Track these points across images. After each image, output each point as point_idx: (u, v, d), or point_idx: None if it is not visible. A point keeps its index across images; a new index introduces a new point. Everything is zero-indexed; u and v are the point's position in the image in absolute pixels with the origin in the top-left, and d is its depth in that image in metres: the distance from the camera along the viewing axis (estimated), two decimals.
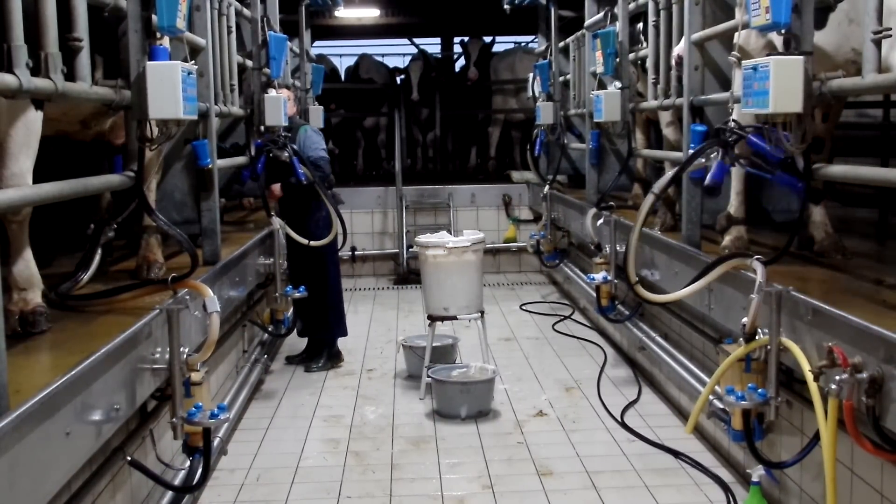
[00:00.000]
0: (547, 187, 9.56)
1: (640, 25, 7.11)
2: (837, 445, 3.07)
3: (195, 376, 3.68)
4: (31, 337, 3.36)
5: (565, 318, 8.70)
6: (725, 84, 5.09)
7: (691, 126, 5.14)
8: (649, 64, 6.20)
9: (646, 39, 6.59)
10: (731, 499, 4.44)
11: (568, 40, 9.38)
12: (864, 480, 3.36)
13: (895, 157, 6.21)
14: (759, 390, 3.69)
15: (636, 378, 6.50)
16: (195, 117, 4.23)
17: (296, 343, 7.41)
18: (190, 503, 4.25)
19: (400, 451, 5.27)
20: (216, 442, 4.23)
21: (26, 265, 3.51)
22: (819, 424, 3.09)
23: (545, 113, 9.62)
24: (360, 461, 5.12)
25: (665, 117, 6.31)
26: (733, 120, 4.21)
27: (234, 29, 5.96)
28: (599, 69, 7.24)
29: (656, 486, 4.66)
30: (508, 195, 11.42)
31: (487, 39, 13.43)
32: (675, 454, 5.02)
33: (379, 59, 14.62)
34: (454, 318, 6.43)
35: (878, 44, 3.29)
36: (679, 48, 5.41)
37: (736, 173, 4.76)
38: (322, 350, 7.09)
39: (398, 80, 13.70)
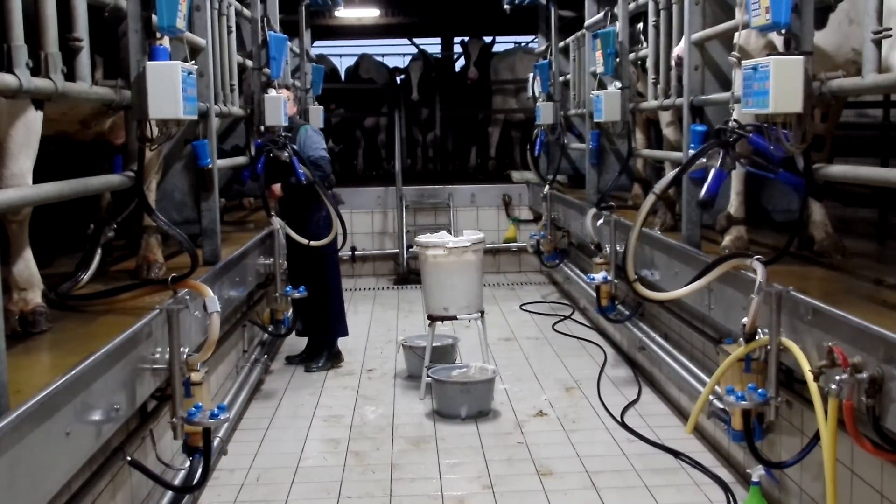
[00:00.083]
0: (547, 187, 9.55)
1: (640, 25, 7.11)
2: (837, 445, 3.07)
3: (195, 376, 3.68)
4: (31, 337, 3.36)
5: (565, 318, 8.70)
6: (725, 84, 5.09)
7: (691, 126, 5.14)
8: (649, 64, 6.20)
9: (646, 39, 6.59)
10: (731, 499, 4.44)
11: (568, 40, 9.38)
12: (864, 480, 3.36)
13: (895, 157, 6.21)
14: (759, 390, 3.69)
15: (636, 378, 6.50)
16: (195, 117, 4.23)
17: (296, 343, 7.40)
18: (190, 503, 4.25)
19: (400, 451, 5.27)
20: (216, 442, 4.23)
21: (26, 265, 3.51)
22: (819, 424, 3.09)
23: (545, 113, 9.62)
24: (360, 461, 5.12)
25: (665, 117, 6.31)
26: (734, 120, 4.21)
27: (234, 29, 5.96)
28: (599, 69, 7.24)
29: (656, 486, 4.66)
30: (508, 195, 11.42)
31: (487, 39, 13.44)
32: (675, 454, 5.02)
33: (379, 59, 14.63)
34: (454, 318, 6.43)
35: (878, 44, 3.29)
36: (679, 48, 5.41)
37: (736, 173, 4.75)
38: (322, 350, 7.10)
39: (398, 80, 13.70)
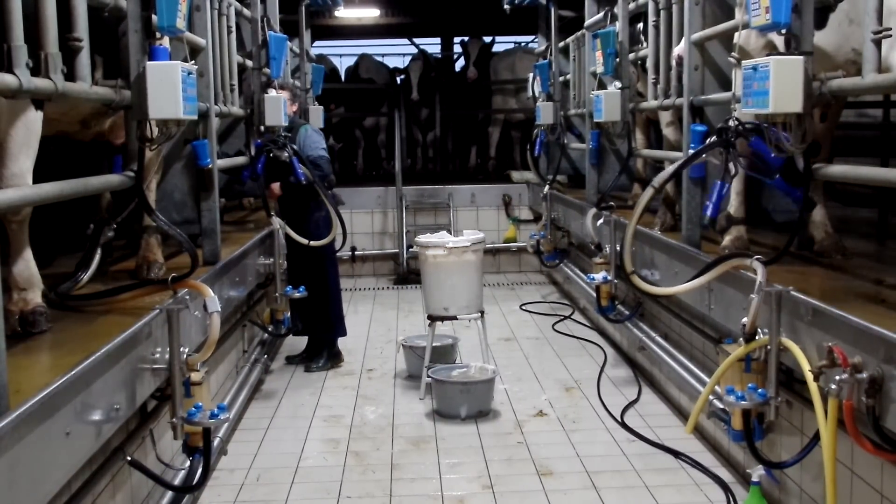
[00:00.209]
0: (547, 187, 9.55)
1: (640, 25, 7.11)
2: (837, 445, 3.07)
3: (195, 376, 3.68)
4: (31, 337, 3.36)
5: (565, 318, 8.70)
6: (725, 84, 5.09)
7: (691, 126, 5.14)
8: (649, 64, 6.20)
9: (646, 39, 6.59)
10: (731, 499, 4.44)
11: (568, 40, 9.38)
12: (864, 480, 3.36)
13: (895, 157, 6.21)
14: (759, 390, 3.69)
15: (636, 378, 6.50)
16: (195, 117, 4.22)
17: (296, 343, 7.40)
18: (190, 503, 4.25)
19: (400, 451, 5.27)
20: (216, 442, 4.23)
21: (26, 265, 3.51)
22: (819, 424, 3.09)
23: (545, 113, 9.62)
24: (360, 461, 5.12)
25: (665, 117, 6.31)
26: (736, 119, 4.21)
27: (234, 29, 5.96)
28: (599, 69, 7.24)
29: (656, 486, 4.66)
30: (508, 195, 11.42)
31: (487, 39, 13.43)
32: (675, 454, 5.02)
33: (379, 59, 14.62)
34: (454, 318, 6.42)
35: (878, 44, 3.29)
36: (679, 48, 5.41)
37: None
38: (322, 350, 7.10)
39: (398, 80, 13.70)
